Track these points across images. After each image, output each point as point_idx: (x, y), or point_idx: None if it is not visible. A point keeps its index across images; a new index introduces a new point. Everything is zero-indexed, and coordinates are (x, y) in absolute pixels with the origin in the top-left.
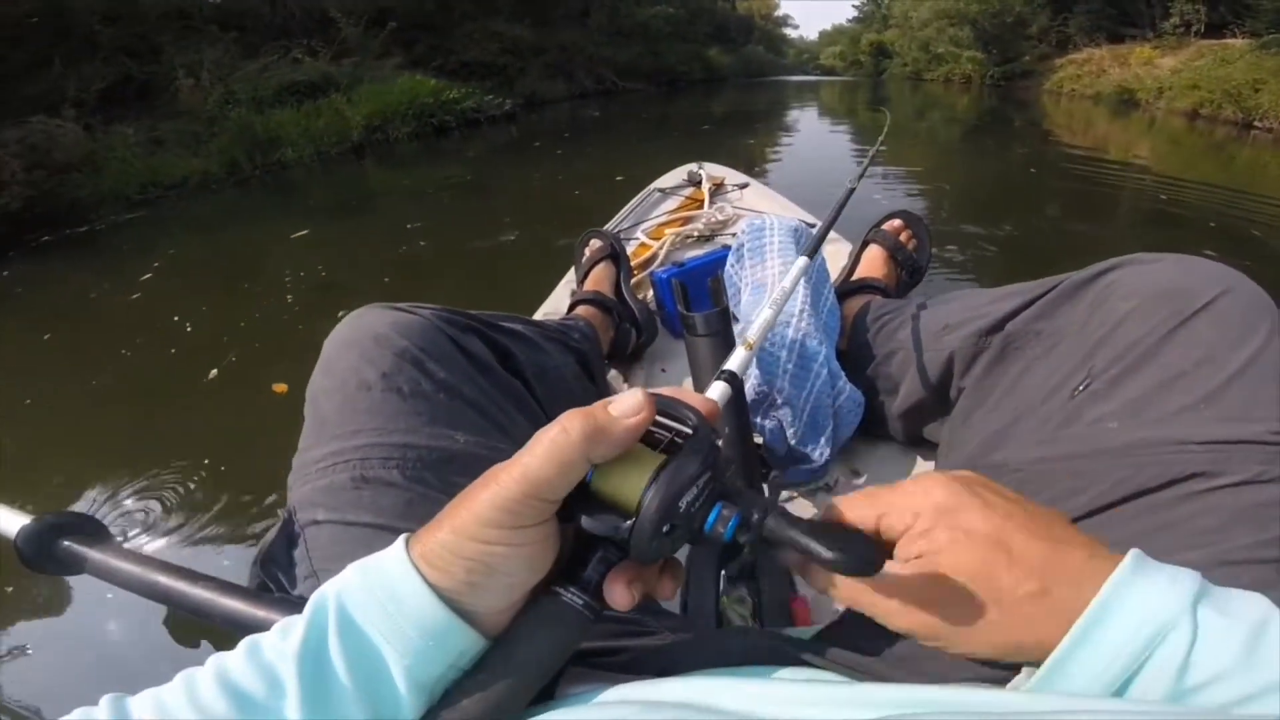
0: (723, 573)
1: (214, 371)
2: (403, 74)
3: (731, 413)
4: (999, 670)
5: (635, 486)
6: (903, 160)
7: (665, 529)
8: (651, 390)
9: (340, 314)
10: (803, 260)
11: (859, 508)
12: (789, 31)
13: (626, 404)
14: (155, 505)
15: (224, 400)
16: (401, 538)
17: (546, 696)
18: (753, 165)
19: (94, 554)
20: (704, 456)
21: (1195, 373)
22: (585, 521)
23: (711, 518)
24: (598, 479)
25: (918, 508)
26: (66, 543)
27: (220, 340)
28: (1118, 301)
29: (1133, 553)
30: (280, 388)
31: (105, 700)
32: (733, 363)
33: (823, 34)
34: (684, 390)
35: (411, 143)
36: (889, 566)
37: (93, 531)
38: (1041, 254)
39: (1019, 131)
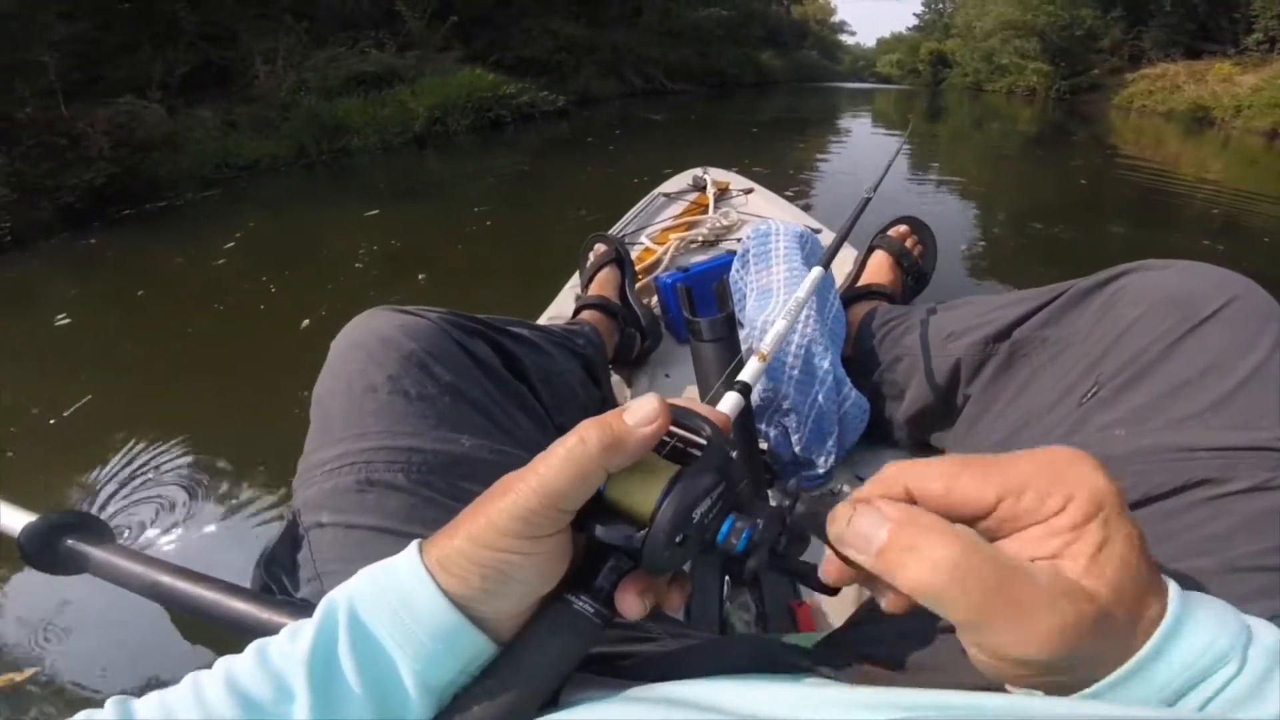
0: (726, 578)
1: (306, 322)
2: (462, 68)
3: (738, 420)
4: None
5: (649, 496)
6: (954, 169)
7: (678, 539)
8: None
9: (420, 277)
10: (817, 271)
11: (969, 482)
12: (845, 38)
13: (642, 412)
14: (257, 435)
15: (317, 346)
16: (414, 543)
17: (550, 702)
18: (800, 171)
19: (97, 554)
20: (718, 468)
21: (1202, 380)
22: (599, 531)
23: (725, 529)
24: (611, 488)
25: (1069, 491)
26: (70, 542)
27: (307, 298)
28: (1125, 308)
29: (1173, 584)
30: None
31: (110, 703)
32: (746, 374)
33: (880, 41)
34: (697, 401)
35: (470, 135)
36: (1045, 575)
37: (96, 531)
38: (1085, 262)
39: (1081, 145)
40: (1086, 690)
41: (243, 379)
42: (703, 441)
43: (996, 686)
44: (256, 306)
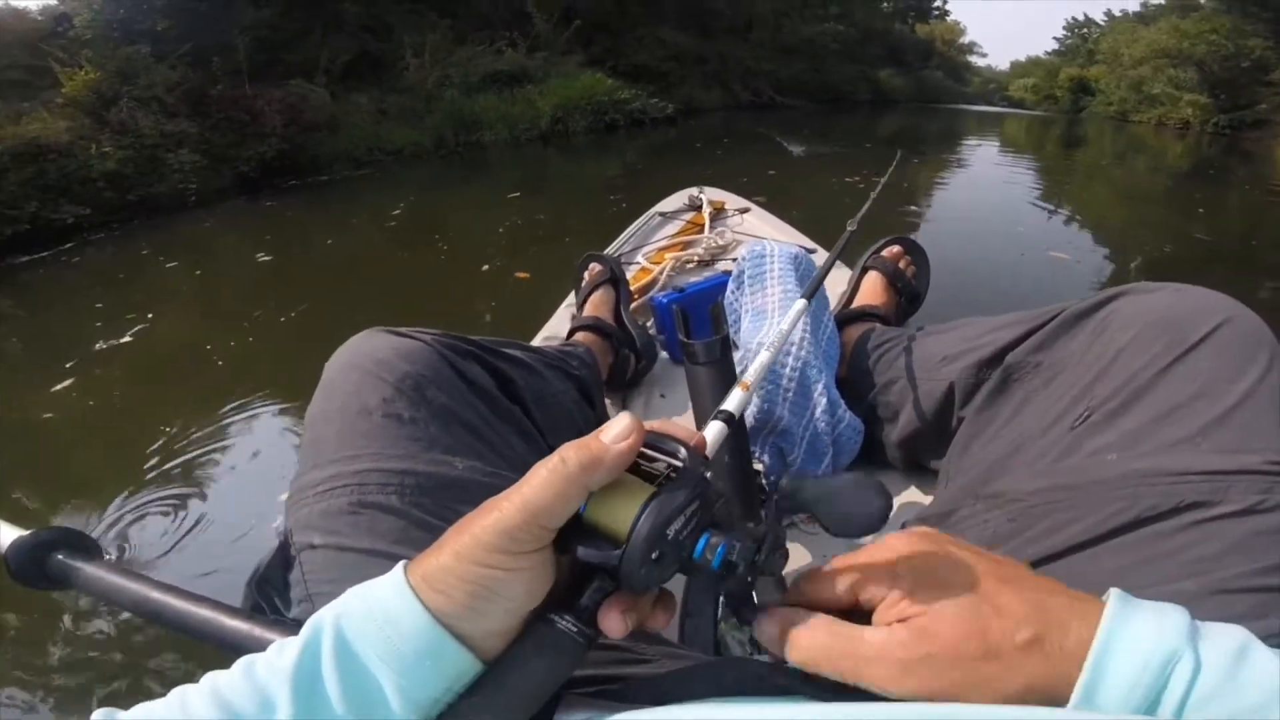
0: (721, 599)
1: (486, 266)
2: (583, 71)
3: (731, 442)
4: None
5: (626, 516)
6: (1087, 205)
7: (654, 556)
8: (645, 423)
9: (566, 240)
10: (800, 303)
11: (830, 588)
12: (975, 59)
13: (616, 429)
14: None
15: (491, 283)
16: (400, 564)
17: None
18: (916, 197)
19: (85, 570)
20: (692, 487)
21: (1193, 405)
22: (580, 550)
23: (700, 546)
24: (591, 510)
25: (893, 571)
26: (59, 557)
27: (477, 251)
28: (1117, 332)
29: (1116, 592)
30: (523, 274)
31: (97, 715)
32: (730, 403)
33: (1014, 64)
34: (674, 424)
35: (587, 135)
36: (873, 635)
37: (84, 547)
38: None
39: (1238, 185)
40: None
41: (436, 300)
42: (679, 464)
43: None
44: (436, 256)
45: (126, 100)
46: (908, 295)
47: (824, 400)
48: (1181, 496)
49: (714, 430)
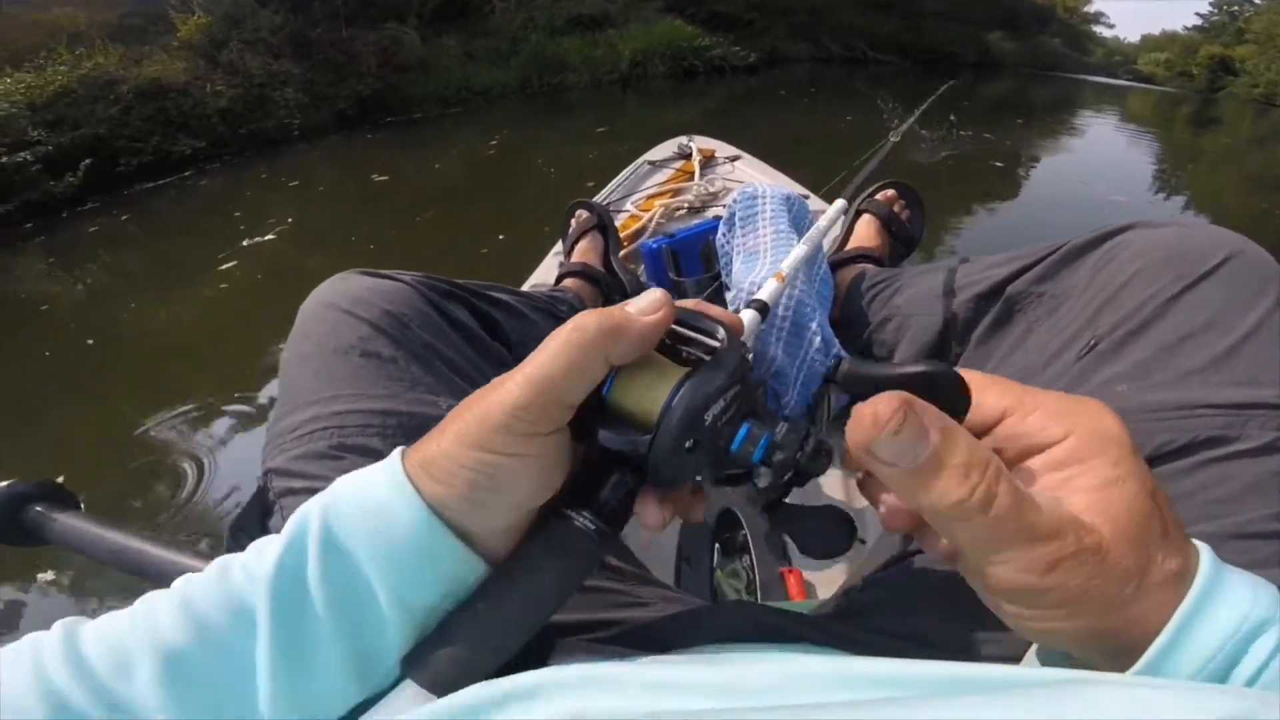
0: (717, 546)
1: (590, 183)
2: (663, 18)
3: None
4: (1003, 649)
5: (657, 398)
6: (1208, 190)
7: (688, 444)
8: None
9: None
10: (840, 203)
11: (988, 388)
12: (1100, 30)
13: (644, 302)
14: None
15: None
16: (396, 450)
17: (538, 664)
18: (1015, 162)
19: (58, 523)
20: (733, 369)
21: (1204, 335)
22: (602, 435)
23: (740, 436)
24: (616, 391)
25: (1075, 424)
26: (38, 509)
27: (580, 173)
28: (1123, 263)
29: (1204, 547)
30: None
31: (58, 625)
32: (764, 293)
33: (1146, 38)
34: (707, 304)
35: (665, 80)
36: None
37: (60, 499)
38: None
39: None
40: (1136, 667)
41: (555, 206)
42: (715, 344)
43: (998, 657)
44: (544, 176)
45: (236, 43)
46: (902, 239)
47: (817, 340)
48: (1196, 432)
49: (748, 317)
